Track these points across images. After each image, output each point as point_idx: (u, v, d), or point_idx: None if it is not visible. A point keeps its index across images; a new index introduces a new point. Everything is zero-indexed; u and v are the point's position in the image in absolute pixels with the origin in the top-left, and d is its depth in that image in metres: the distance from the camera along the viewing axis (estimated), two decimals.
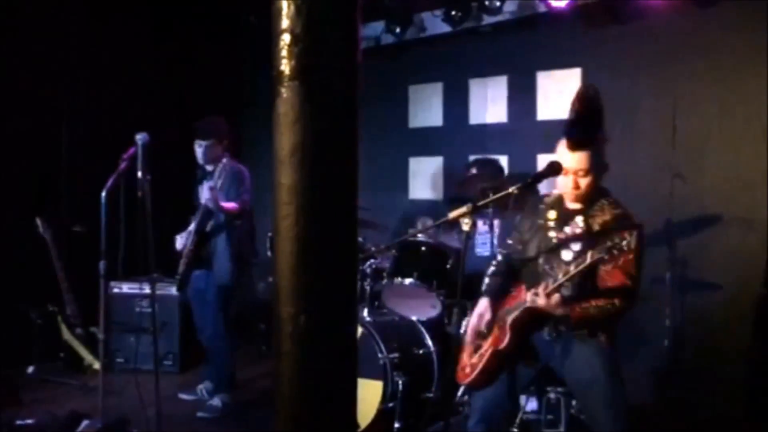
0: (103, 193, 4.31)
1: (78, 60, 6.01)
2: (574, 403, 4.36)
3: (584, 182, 2.87)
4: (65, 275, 5.45)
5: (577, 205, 2.96)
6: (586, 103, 2.87)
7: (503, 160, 5.44)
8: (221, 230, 4.82)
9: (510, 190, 2.95)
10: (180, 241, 4.91)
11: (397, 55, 6.33)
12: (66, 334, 5.49)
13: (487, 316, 3.06)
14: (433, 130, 6.32)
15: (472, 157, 5.51)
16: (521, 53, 5.71)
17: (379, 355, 4.18)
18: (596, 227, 2.83)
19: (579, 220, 2.88)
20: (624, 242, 2.53)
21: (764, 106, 4.50)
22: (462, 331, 3.34)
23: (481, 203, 2.86)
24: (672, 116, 4.81)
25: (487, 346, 3.03)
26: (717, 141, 4.78)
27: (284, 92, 1.11)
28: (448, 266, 4.55)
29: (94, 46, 6.09)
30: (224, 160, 4.83)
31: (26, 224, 5.40)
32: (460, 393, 4.28)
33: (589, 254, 2.59)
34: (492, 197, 2.95)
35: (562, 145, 2.92)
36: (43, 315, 5.52)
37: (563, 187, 2.93)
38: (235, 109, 7.35)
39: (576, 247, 2.82)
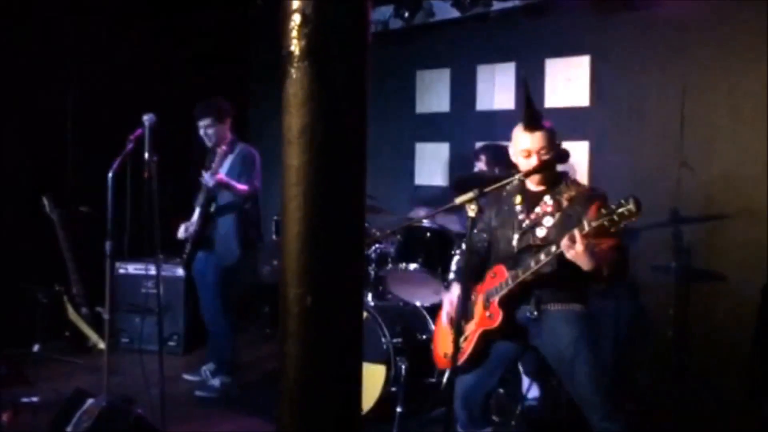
0: (110, 174, 4.32)
1: (84, 40, 6.00)
2: None
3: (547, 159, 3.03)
4: (72, 255, 5.47)
5: (540, 188, 3.10)
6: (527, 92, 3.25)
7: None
8: (227, 213, 4.82)
9: (516, 176, 2.97)
10: (183, 232, 4.92)
11: (405, 40, 6.30)
12: (71, 314, 5.52)
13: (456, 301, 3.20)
14: (440, 115, 6.30)
15: (478, 144, 5.49)
16: (530, 40, 5.68)
17: (383, 340, 4.20)
18: (565, 203, 3.00)
19: (547, 198, 3.05)
20: (621, 209, 2.59)
21: None
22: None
23: (487, 189, 2.85)
24: (680, 106, 4.79)
25: (474, 329, 3.12)
26: (725, 131, 4.76)
27: (294, 73, 1.10)
28: (453, 252, 4.55)
29: (100, 27, 6.08)
30: (237, 145, 4.86)
31: (33, 204, 5.41)
32: (445, 379, 4.31)
33: (585, 222, 2.70)
34: (498, 184, 2.94)
35: (519, 130, 3.08)
36: (49, 294, 5.53)
37: (527, 167, 3.03)
38: (242, 90, 7.36)
39: (548, 223, 2.99)
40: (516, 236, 3.07)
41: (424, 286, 4.64)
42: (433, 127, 6.33)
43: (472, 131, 5.97)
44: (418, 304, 4.66)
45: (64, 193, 5.80)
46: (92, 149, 5.18)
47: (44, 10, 5.75)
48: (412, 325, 4.51)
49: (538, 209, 3.05)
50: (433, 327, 4.52)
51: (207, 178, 4.64)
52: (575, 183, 3.11)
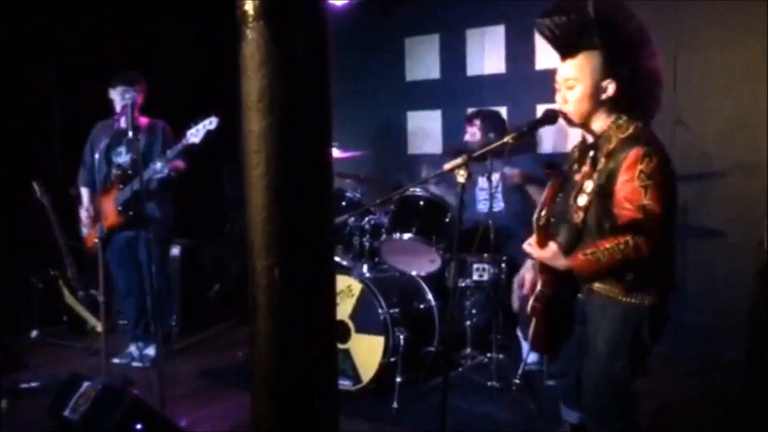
0: (96, 156, 4.28)
1: (71, 20, 5.89)
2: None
3: (571, 96, 2.50)
4: (65, 239, 5.43)
5: (591, 138, 2.55)
6: (571, 6, 2.51)
7: (502, 112, 5.35)
8: (154, 192, 4.81)
9: (505, 139, 2.88)
10: (86, 217, 4.92)
11: (392, 7, 6.20)
12: (68, 298, 5.50)
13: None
14: (430, 83, 6.21)
15: (470, 110, 5.42)
16: (519, 1, 5.58)
17: (380, 311, 4.16)
18: (602, 161, 2.41)
19: (591, 153, 2.51)
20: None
21: (765, 49, 4.41)
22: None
23: (476, 153, 2.79)
24: (673, 61, 4.70)
25: None
26: (719, 88, 4.69)
27: (249, 34, 1.05)
28: (447, 220, 4.50)
29: (88, 8, 5.97)
30: (148, 121, 4.82)
31: (24, 189, 5.36)
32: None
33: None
34: (487, 147, 2.88)
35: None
36: (45, 279, 5.53)
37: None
38: (233, 70, 7.24)
39: (588, 187, 2.39)
40: (570, 201, 2.54)
41: (419, 255, 4.61)
42: (424, 95, 6.25)
43: (463, 97, 5.89)
44: (413, 273, 4.62)
45: (54, 177, 5.74)
46: (80, 131, 5.10)
47: None
48: (409, 295, 4.47)
49: (584, 169, 2.50)
50: (430, 296, 4.49)
51: (158, 163, 4.55)
52: (622, 127, 2.44)
